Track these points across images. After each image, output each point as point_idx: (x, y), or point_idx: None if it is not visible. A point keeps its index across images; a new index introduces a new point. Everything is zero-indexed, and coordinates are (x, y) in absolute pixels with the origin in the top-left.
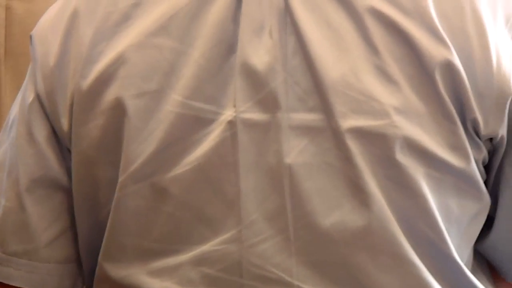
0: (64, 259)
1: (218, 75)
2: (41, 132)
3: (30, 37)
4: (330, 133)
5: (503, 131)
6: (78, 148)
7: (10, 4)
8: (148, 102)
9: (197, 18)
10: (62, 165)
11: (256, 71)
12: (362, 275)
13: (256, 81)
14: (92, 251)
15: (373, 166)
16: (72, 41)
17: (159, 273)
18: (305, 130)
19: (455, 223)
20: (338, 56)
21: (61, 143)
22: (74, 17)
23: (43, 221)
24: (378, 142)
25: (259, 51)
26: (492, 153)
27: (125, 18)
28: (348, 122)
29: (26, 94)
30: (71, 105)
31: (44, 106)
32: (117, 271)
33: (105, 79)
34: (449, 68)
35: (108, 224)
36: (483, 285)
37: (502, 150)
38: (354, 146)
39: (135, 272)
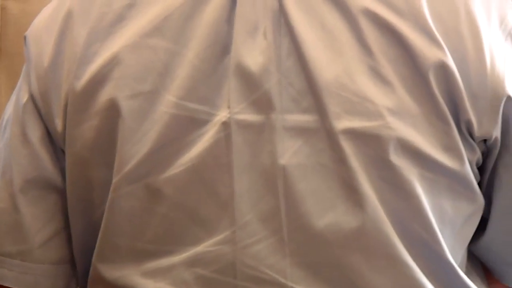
0: (58, 260)
1: (212, 76)
2: (35, 133)
3: (24, 37)
4: (324, 134)
5: (497, 133)
6: (72, 149)
7: (5, 4)
8: (142, 103)
9: (192, 19)
10: (56, 166)
11: (250, 72)
12: (356, 276)
13: (250, 82)
14: (86, 252)
15: (367, 167)
16: (66, 42)
17: (153, 274)
18: (299, 131)
19: (448, 224)
20: (332, 57)
21: (55, 144)
22: (68, 17)
23: (37, 222)
24: (372, 143)
25: (253, 52)
26: (486, 154)
27: (120, 19)
28: (342, 123)
29: (20, 95)
30: (65, 106)
31: (38, 107)
32: (111, 272)
33: (99, 80)
34: (443, 69)
35: (102, 225)
36: (477, 286)
37: (496, 152)
38: (348, 147)
39: (129, 273)
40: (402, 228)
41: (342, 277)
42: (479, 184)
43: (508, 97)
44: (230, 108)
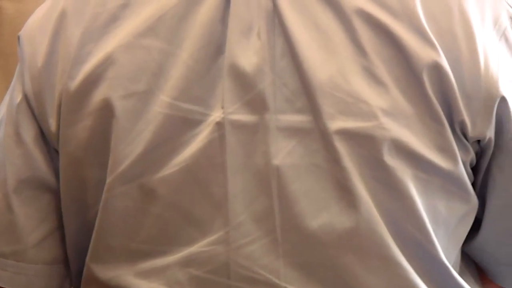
0: (51, 260)
1: (206, 76)
2: (28, 133)
3: (18, 37)
4: (318, 134)
5: (490, 133)
6: (66, 149)
7: (0, 4)
8: (136, 103)
9: (186, 19)
10: (50, 166)
11: (244, 72)
12: (349, 277)
13: (244, 83)
14: (80, 252)
15: (361, 168)
16: (60, 42)
17: (146, 274)
18: (293, 131)
19: (442, 225)
20: (326, 57)
21: (49, 144)
22: (62, 17)
23: (31, 222)
24: (366, 144)
25: (247, 52)
26: (479, 155)
27: (114, 19)
28: (336, 123)
29: (14, 95)
30: (59, 106)
31: (32, 107)
32: (104, 272)
33: (93, 80)
34: (436, 69)
35: (95, 225)
36: (471, 286)
37: (489, 152)
38: (342, 148)
39: (122, 273)
40: (396, 229)
41: (335, 278)
42: (473, 184)
43: (502, 97)
44: (224, 108)
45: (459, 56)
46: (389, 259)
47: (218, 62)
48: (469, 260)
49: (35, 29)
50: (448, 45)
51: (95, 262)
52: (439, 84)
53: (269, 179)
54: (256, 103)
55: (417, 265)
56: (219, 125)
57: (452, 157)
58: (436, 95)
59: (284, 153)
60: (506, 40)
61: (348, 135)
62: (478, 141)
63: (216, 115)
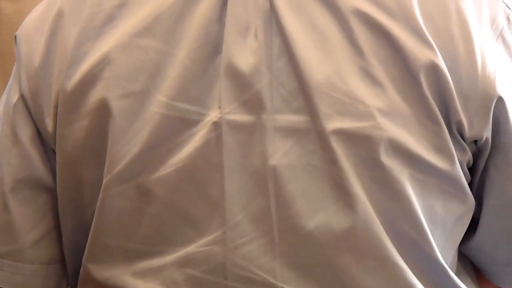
0: (48, 260)
1: (203, 76)
2: (25, 133)
3: (15, 37)
4: (315, 134)
5: (487, 134)
6: (62, 149)
7: None
8: (133, 103)
9: (182, 19)
10: (47, 166)
11: (241, 72)
12: (346, 277)
13: (241, 83)
14: (77, 252)
15: (358, 168)
16: (57, 42)
17: (143, 274)
18: (290, 131)
19: (439, 225)
20: (323, 57)
21: (45, 144)
22: (59, 17)
23: (28, 222)
24: (363, 144)
25: (244, 52)
26: (476, 155)
27: (110, 19)
28: (332, 123)
29: (10, 94)
30: (56, 106)
31: (29, 107)
32: (101, 272)
33: (90, 80)
34: (434, 70)
35: (92, 225)
36: (468, 286)
37: (486, 153)
38: (338, 148)
39: (119, 273)
40: (393, 229)
41: (332, 278)
42: (470, 184)
43: (499, 98)
44: (221, 108)
45: (456, 56)
46: (386, 259)
47: (215, 62)
48: (466, 260)
49: (32, 29)
50: (445, 45)
51: (91, 262)
52: (436, 84)
53: (266, 179)
54: (253, 103)
55: (414, 265)
56: (216, 125)
57: (449, 157)
58: (433, 95)
59: (281, 153)
60: (503, 40)
61: (345, 135)
62: (475, 141)
63: (213, 115)
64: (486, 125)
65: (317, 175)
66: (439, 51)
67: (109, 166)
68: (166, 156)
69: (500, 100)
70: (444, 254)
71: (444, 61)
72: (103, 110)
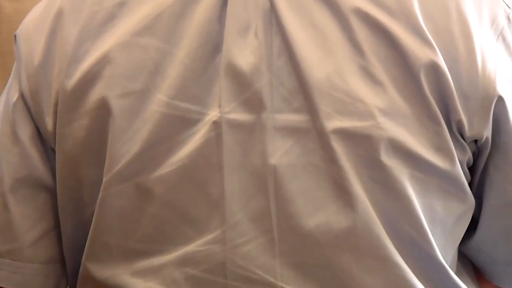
0: (48, 259)
1: (203, 75)
2: (25, 132)
3: (15, 36)
4: (315, 134)
5: (487, 133)
6: (62, 148)
7: None
8: (133, 102)
9: (183, 18)
10: (47, 165)
11: (241, 71)
12: (346, 277)
13: (241, 82)
14: (76, 251)
15: (358, 167)
16: (57, 40)
17: (143, 274)
18: (290, 131)
19: (439, 225)
20: (323, 56)
21: (45, 143)
22: (59, 16)
23: (27, 221)
24: (363, 143)
25: (244, 51)
26: (476, 154)
27: (111, 18)
28: (333, 123)
29: (10, 93)
30: (56, 105)
31: (29, 106)
32: (101, 271)
33: (90, 79)
34: (434, 69)
35: (92, 224)
36: (467, 286)
37: (486, 152)
38: (339, 147)
39: (119, 273)
40: (393, 228)
41: (332, 277)
42: (470, 184)
43: (499, 97)
44: (221, 108)
45: (456, 56)
46: (386, 259)
47: (215, 61)
48: (466, 260)
49: (32, 28)
50: (446, 45)
51: (91, 261)
52: (437, 84)
53: (266, 178)
54: (253, 102)
55: (414, 264)
56: (216, 124)
57: (449, 156)
58: (434, 94)
59: (281, 153)
60: (504, 39)
61: (345, 134)
62: (475, 141)
63: (213, 114)
64: (486, 125)
65: (317, 175)
66: (439, 51)
67: (109, 165)
68: (166, 155)
69: (500, 99)
70: (444, 254)
71: (444, 60)
72: (103, 109)
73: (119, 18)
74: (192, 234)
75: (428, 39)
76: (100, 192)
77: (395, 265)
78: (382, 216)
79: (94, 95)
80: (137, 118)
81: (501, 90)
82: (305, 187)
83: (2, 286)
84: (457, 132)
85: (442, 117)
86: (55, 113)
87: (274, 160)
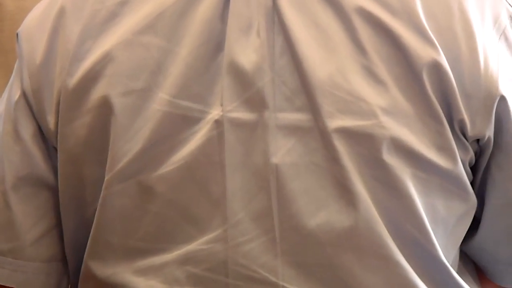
0: (49, 257)
1: (205, 74)
2: (27, 130)
3: (17, 34)
4: (317, 133)
5: (490, 133)
6: (64, 146)
7: (1, 1)
8: (135, 100)
9: (185, 17)
10: (48, 163)
11: (244, 70)
12: (347, 276)
13: (243, 80)
14: (78, 249)
15: (360, 167)
16: (59, 39)
17: (144, 272)
18: (292, 130)
19: (441, 224)
20: (326, 56)
21: (47, 141)
22: (61, 14)
23: (29, 220)
24: (365, 143)
25: (246, 50)
26: (478, 154)
27: (112, 16)
28: (335, 122)
29: (12, 92)
30: (58, 103)
31: (30, 104)
32: (102, 269)
33: (92, 77)
34: (436, 68)
35: (94, 223)
36: (469, 285)
37: (488, 152)
38: (341, 146)
39: (120, 271)
40: (395, 228)
41: (334, 277)
42: (472, 183)
43: (502, 96)
44: (223, 106)
45: (459, 55)
46: (388, 258)
47: (217, 59)
48: (468, 260)
49: (34, 26)
50: (448, 44)
51: (93, 260)
52: (439, 83)
53: (267, 177)
54: (255, 101)
55: (416, 264)
56: (218, 123)
57: (451, 156)
58: (436, 94)
59: (283, 152)
60: (506, 39)
61: (347, 133)
62: (477, 140)
63: (215, 113)
64: (489, 124)
65: (319, 174)
66: (442, 50)
67: (111, 163)
68: (168, 153)
69: (503, 99)
70: (446, 253)
71: (447, 60)
72: (105, 107)
73: (121, 16)
74: (194, 233)
75: (431, 38)
76: (102, 191)
77: (397, 265)
78: (384, 215)
79: (96, 94)
80: (139, 117)
81: (503, 90)
82: (307, 186)
83: (3, 284)
84: (459, 131)
85: (444, 116)
86: (57, 111)
87: (276, 159)
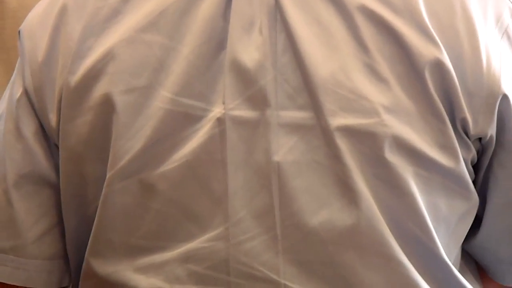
0: (51, 255)
1: (207, 71)
2: (29, 128)
3: (19, 32)
4: (320, 131)
5: (492, 131)
6: (66, 144)
7: None
8: (137, 98)
9: (187, 14)
10: (50, 161)
11: (246, 68)
12: (349, 274)
13: (245, 78)
14: (79, 247)
15: (362, 165)
16: (61, 37)
17: (145, 270)
18: (295, 128)
19: (443, 223)
20: (328, 54)
21: (49, 139)
22: (63, 12)
23: (31, 217)
24: (368, 141)
25: (248, 48)
26: (481, 152)
27: (115, 14)
28: (337, 120)
29: (14, 89)
30: (59, 101)
31: (32, 102)
32: (103, 267)
33: (94, 75)
34: (439, 67)
35: (95, 220)
36: (471, 284)
37: (491, 150)
38: (343, 145)
39: (121, 269)
40: (397, 226)
41: (335, 275)
42: (474, 182)
43: (504, 95)
44: (225, 104)
45: (461, 53)
46: (390, 256)
47: (219, 57)
48: (469, 258)
49: (36, 24)
50: (450, 42)
51: (94, 257)
52: (441, 81)
53: (269, 175)
54: (257, 99)
55: (417, 262)
56: (220, 121)
57: (453, 154)
58: (438, 92)
59: (285, 150)
60: (508, 37)
61: (349, 131)
62: (480, 139)
63: (217, 111)
64: (491, 123)
65: (321, 172)
66: (444, 48)
67: (113, 161)
68: (170, 151)
69: (505, 97)
70: (448, 252)
71: (449, 58)
72: (107, 105)
73: (123, 14)
74: (195, 231)
75: (433, 37)
76: (104, 189)
77: (398, 263)
78: (386, 213)
79: (98, 91)
80: (141, 115)
81: (505, 88)
82: (309, 185)
83: (5, 282)
84: (462, 130)
85: (447, 114)
86: (59, 109)
87: (278, 157)
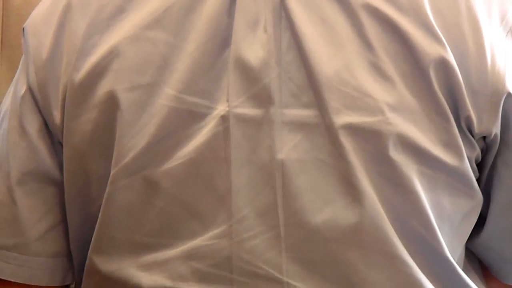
0: (54, 253)
1: (211, 69)
2: (33, 125)
3: (23, 29)
4: (324, 129)
5: (496, 129)
6: (70, 142)
7: None
8: (141, 95)
9: (192, 12)
10: (54, 159)
11: (250, 65)
12: (352, 273)
13: (249, 76)
14: (83, 245)
15: (366, 163)
16: (65, 34)
17: (148, 267)
18: (299, 126)
19: (447, 221)
20: (333, 52)
21: (53, 137)
22: (67, 9)
23: (34, 215)
24: (372, 139)
25: (253, 46)
26: (485, 151)
27: (119, 11)
28: (342, 118)
29: (18, 87)
30: (64, 98)
31: (36, 99)
32: (107, 264)
33: (98, 72)
34: (443, 65)
35: (99, 218)
36: (475, 283)
37: (495, 148)
38: (347, 143)
39: (125, 266)
40: (401, 225)
41: (338, 273)
42: (478, 180)
43: (508, 93)
44: (229, 102)
45: (466, 52)
46: (393, 255)
47: (224, 55)
48: (473, 257)
49: (40, 21)
50: (455, 41)
51: (97, 255)
52: (446, 80)
53: (273, 173)
54: (261, 97)
55: (421, 261)
56: (224, 118)
57: (457, 153)
58: (443, 90)
59: (289, 148)
60: None
61: (353, 130)
62: (484, 137)
63: (221, 109)
64: (495, 121)
65: (325, 170)
66: (449, 46)
67: (117, 158)
68: (174, 149)
69: (510, 96)
70: (451, 250)
71: (454, 56)
72: (111, 102)
73: (127, 11)
74: (199, 229)
75: (438, 35)
76: (107, 186)
77: (402, 262)
78: (390, 212)
79: (102, 89)
80: (145, 112)
81: (510, 87)
82: (312, 183)
83: (9, 279)
84: (466, 128)
85: (451, 113)
86: (63, 106)
87: (282, 155)
